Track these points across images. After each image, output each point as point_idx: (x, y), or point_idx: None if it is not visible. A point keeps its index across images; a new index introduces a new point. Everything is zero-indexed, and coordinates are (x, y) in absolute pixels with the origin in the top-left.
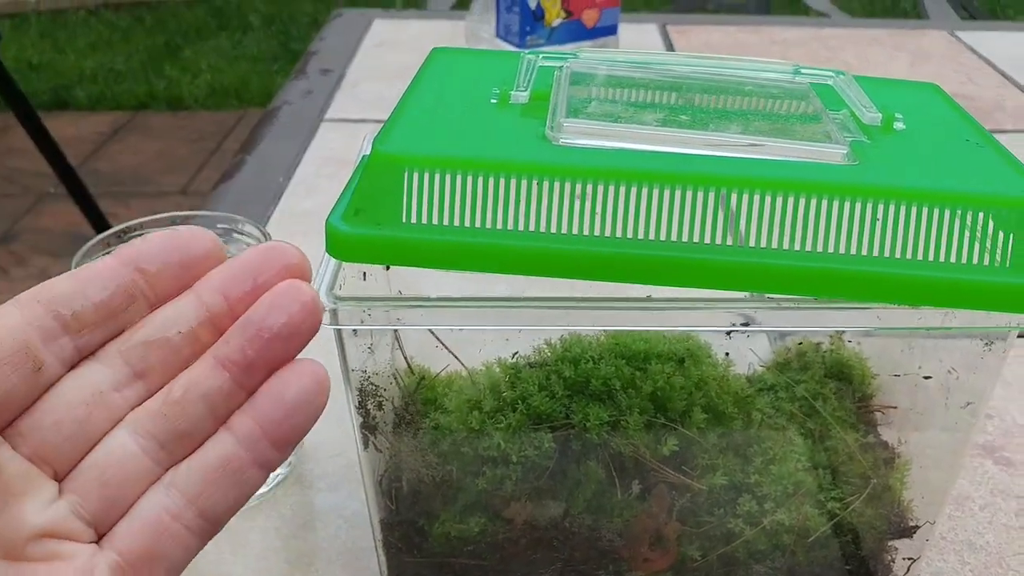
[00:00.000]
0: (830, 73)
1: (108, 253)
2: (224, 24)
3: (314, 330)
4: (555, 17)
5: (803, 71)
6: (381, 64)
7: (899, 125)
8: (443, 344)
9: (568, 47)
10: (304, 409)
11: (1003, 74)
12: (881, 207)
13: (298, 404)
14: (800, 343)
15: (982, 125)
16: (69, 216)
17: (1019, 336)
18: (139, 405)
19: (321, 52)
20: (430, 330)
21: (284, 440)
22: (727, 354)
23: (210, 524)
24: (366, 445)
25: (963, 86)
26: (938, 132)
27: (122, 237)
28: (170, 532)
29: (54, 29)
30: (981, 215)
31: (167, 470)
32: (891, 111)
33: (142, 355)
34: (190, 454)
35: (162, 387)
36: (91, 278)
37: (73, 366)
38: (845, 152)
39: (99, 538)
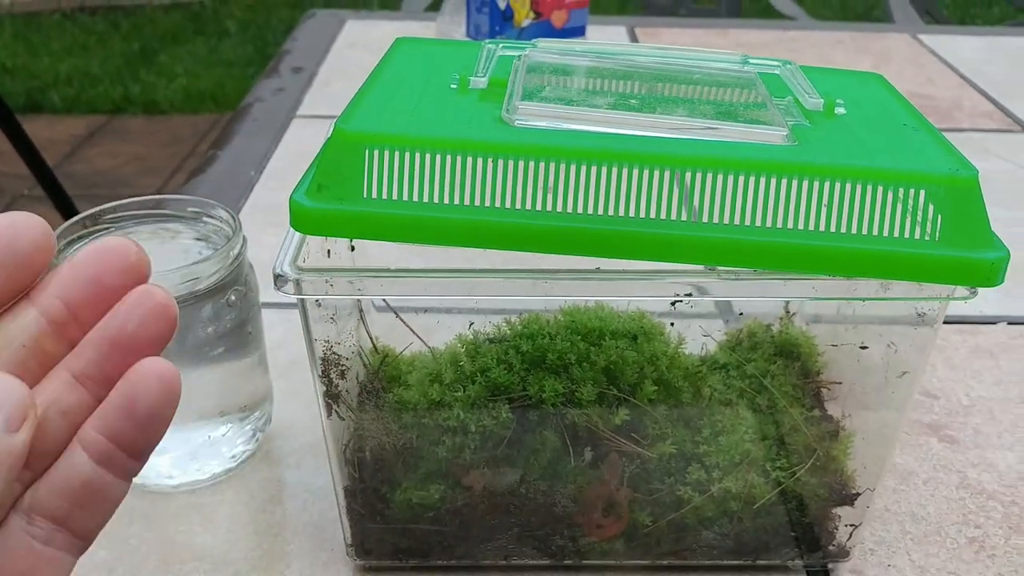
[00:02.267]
0: (777, 63)
1: (86, 234)
2: (200, 29)
3: (170, 334)
4: (524, 17)
5: (751, 61)
6: (352, 63)
7: (840, 110)
8: (404, 323)
9: None
10: (155, 420)
11: (962, 76)
12: (817, 184)
13: (150, 417)
14: (743, 327)
15: (920, 112)
16: (45, 217)
17: (953, 307)
18: None
19: (294, 52)
20: (393, 310)
21: (141, 451)
22: (671, 323)
23: (83, 540)
24: (329, 414)
25: (923, 87)
26: (877, 117)
27: (96, 219)
28: (45, 558)
29: (28, 32)
30: (913, 191)
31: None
32: (833, 97)
33: None
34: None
35: None
36: None
37: None
38: (785, 134)
39: None
